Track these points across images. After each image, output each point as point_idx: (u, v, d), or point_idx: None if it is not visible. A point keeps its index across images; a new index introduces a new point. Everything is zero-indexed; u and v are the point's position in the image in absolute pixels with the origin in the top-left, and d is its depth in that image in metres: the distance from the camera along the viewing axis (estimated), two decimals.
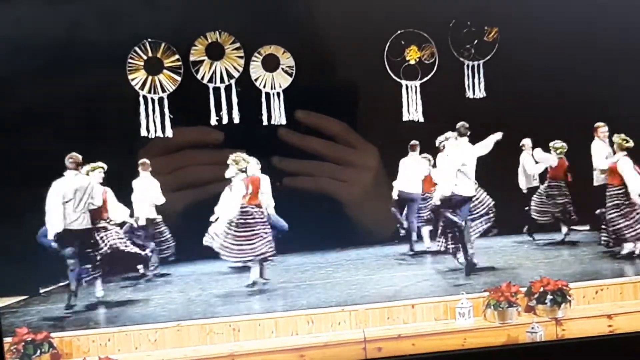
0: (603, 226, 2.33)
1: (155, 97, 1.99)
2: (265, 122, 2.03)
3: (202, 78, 2.01)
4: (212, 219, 2.13)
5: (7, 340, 1.94)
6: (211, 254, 2.15)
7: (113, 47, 1.93)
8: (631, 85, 2.15)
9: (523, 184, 2.42)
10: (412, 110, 2.11)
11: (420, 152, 2.23)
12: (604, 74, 2.14)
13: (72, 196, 2.05)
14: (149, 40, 1.95)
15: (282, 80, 2.03)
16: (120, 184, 2.07)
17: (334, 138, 2.07)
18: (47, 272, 2.05)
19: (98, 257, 2.10)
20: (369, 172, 2.12)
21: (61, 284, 2.07)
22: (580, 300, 2.19)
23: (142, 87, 1.99)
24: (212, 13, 1.98)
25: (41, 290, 2.10)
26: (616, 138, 2.24)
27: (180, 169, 2.07)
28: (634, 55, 2.14)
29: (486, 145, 2.18)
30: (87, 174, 2.04)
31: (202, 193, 2.08)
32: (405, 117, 2.11)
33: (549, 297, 2.12)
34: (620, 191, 2.31)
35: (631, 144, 2.24)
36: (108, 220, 2.14)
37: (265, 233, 2.22)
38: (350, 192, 2.10)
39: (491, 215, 2.29)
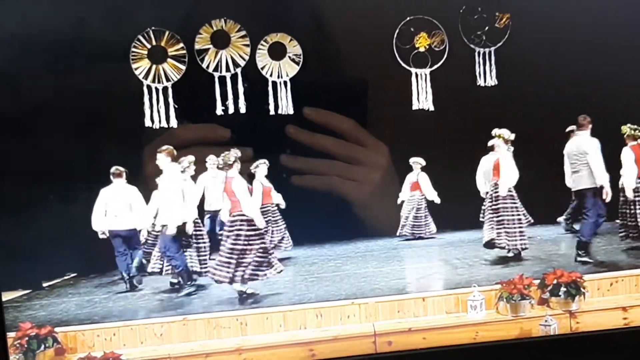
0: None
1: (160, 86, 1.96)
2: (272, 112, 2.00)
3: (208, 67, 1.97)
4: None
5: (11, 335, 1.91)
6: None
7: (116, 37, 1.89)
8: None
9: None
10: (422, 98, 2.07)
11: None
12: (617, 61, 2.10)
13: None
14: (153, 28, 1.92)
15: (289, 68, 1.99)
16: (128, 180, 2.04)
17: (343, 136, 2.03)
18: (49, 266, 2.01)
19: None
20: (379, 169, 2.09)
21: (66, 277, 2.05)
22: (595, 293, 2.16)
23: (146, 76, 1.95)
24: (217, 0, 1.95)
25: (44, 284, 2.07)
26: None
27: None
28: None
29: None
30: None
31: None
32: (415, 106, 2.07)
33: (563, 289, 2.09)
34: None
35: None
36: None
37: None
38: (359, 188, 2.07)
39: None
